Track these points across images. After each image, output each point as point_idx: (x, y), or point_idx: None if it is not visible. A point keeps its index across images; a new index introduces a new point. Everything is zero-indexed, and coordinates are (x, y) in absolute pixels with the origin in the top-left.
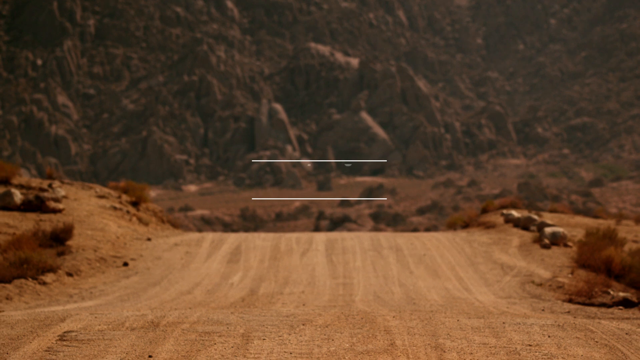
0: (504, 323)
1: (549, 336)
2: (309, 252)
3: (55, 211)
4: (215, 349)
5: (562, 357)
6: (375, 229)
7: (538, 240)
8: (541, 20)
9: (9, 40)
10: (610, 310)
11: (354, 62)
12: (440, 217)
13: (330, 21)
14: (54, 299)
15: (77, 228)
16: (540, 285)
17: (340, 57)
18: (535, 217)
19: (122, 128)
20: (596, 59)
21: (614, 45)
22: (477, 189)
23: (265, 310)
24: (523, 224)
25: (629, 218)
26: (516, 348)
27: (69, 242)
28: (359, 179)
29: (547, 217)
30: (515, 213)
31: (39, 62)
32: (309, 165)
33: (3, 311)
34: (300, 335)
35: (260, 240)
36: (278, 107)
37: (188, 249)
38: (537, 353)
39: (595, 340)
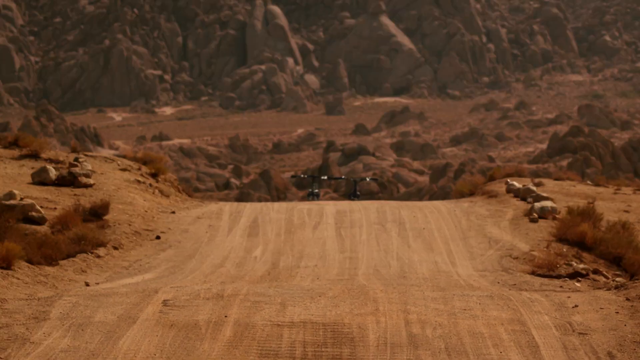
0: (453, 294)
1: (479, 303)
2: (320, 225)
3: (86, 186)
4: (265, 312)
5: (482, 317)
6: (399, 163)
7: (528, 214)
8: None
9: None
10: (557, 281)
11: None
12: (480, 148)
13: None
14: (116, 272)
15: (110, 202)
16: (515, 258)
17: None
18: (534, 188)
19: (79, 36)
20: None
21: None
22: (527, 113)
23: (291, 284)
24: (522, 195)
25: None
26: (455, 311)
27: (106, 217)
28: (378, 99)
29: (549, 186)
30: (516, 183)
31: None
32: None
33: (98, 283)
34: (318, 303)
35: (275, 213)
36: (276, 9)
37: (210, 222)
38: (467, 314)
39: (509, 306)
